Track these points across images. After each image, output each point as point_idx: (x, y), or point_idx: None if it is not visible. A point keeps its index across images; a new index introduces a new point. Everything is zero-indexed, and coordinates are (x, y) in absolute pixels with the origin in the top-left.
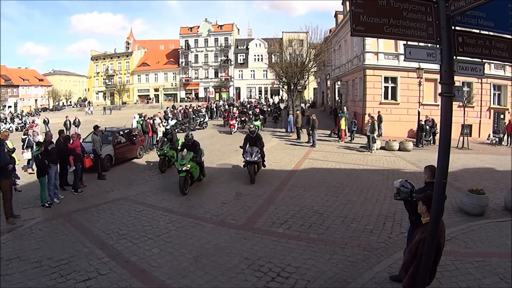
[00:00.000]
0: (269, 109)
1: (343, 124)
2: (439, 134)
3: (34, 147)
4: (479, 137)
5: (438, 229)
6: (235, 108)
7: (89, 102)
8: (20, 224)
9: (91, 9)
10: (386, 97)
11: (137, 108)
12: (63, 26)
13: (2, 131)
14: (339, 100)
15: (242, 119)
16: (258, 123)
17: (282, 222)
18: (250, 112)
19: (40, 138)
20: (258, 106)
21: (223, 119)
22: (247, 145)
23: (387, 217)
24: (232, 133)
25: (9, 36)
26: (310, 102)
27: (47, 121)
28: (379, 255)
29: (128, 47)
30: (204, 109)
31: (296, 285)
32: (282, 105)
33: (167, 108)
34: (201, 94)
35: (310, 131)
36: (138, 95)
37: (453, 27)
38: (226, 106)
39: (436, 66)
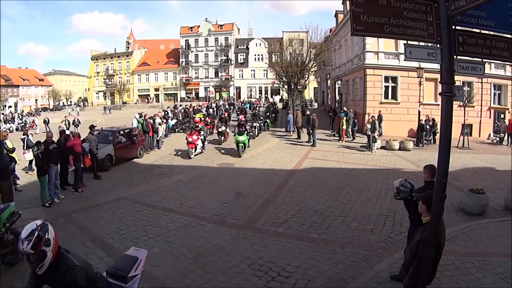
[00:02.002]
0: (267, 112)
1: (344, 123)
2: (440, 134)
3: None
4: (479, 136)
5: (438, 229)
6: (198, 116)
7: (79, 102)
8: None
9: (91, 8)
10: (386, 97)
11: (137, 107)
12: (64, 26)
13: (1, 131)
14: (339, 99)
15: (220, 130)
16: (243, 138)
17: (282, 221)
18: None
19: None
20: (254, 108)
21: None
22: None
23: (388, 217)
24: (192, 156)
25: (10, 36)
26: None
27: (47, 120)
28: (379, 255)
29: (129, 47)
30: (205, 108)
31: (297, 285)
32: (280, 105)
33: (168, 107)
34: (202, 93)
35: (311, 131)
36: (139, 95)
37: (453, 27)
38: (227, 106)
39: (436, 66)
